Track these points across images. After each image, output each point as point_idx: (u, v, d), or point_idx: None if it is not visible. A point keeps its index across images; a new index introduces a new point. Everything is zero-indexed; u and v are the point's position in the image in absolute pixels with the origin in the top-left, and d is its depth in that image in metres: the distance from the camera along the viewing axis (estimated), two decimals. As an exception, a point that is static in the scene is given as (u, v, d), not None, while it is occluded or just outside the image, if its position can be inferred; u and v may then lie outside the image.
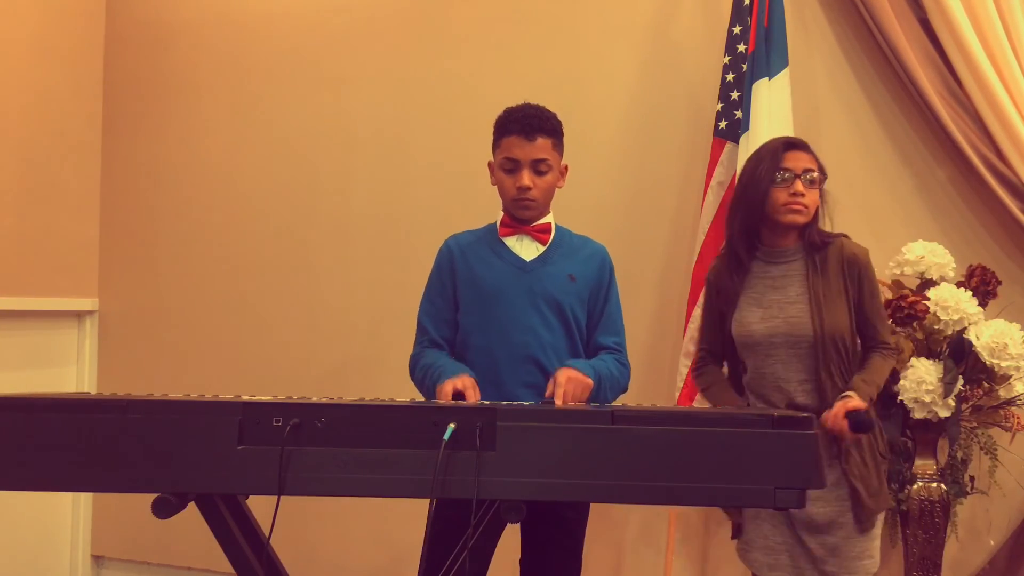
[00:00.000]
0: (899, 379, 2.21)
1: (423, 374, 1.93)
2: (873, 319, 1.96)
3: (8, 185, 3.08)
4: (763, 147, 1.98)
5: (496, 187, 2.01)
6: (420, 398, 1.88)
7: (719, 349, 2.10)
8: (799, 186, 1.89)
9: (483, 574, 1.89)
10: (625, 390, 2.01)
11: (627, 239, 2.79)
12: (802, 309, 1.91)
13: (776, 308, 1.94)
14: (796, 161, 1.91)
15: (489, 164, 2.02)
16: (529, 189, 1.91)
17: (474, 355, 1.94)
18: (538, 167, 1.92)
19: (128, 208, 3.44)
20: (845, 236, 1.99)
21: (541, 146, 1.91)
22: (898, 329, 2.24)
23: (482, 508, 1.49)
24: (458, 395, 1.77)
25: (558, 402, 1.74)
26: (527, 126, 1.90)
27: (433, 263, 2.05)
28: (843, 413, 1.83)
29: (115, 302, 3.44)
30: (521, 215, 1.96)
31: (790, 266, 1.97)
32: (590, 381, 1.82)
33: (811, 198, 1.92)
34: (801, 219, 1.91)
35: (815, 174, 1.92)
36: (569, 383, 1.77)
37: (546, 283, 1.94)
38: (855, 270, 1.94)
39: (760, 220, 1.95)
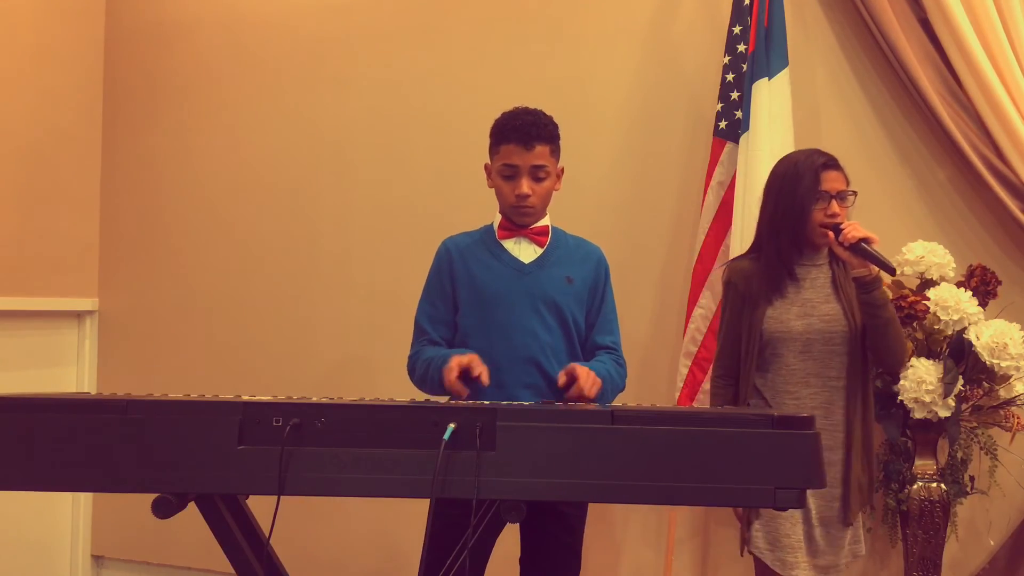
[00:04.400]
0: (899, 379, 2.21)
1: (424, 368, 1.93)
2: None
3: (8, 185, 3.08)
4: (800, 162, 2.00)
5: (494, 190, 2.01)
6: (421, 398, 1.87)
7: (735, 369, 2.11)
8: (834, 207, 1.97)
9: (481, 573, 1.90)
10: (623, 390, 2.02)
11: (627, 239, 2.79)
12: (835, 308, 2.00)
13: (810, 306, 2.01)
14: (832, 182, 1.98)
15: (486, 167, 2.03)
16: (528, 196, 1.93)
17: None
18: (536, 174, 1.93)
19: (128, 208, 3.44)
20: None
21: (539, 153, 1.92)
22: (898, 329, 2.24)
23: (482, 508, 1.49)
24: (465, 371, 1.78)
25: (581, 383, 1.81)
26: (525, 135, 1.90)
27: (431, 264, 2.05)
28: (859, 235, 1.91)
29: (115, 302, 3.44)
30: (520, 221, 1.98)
31: (819, 269, 2.05)
32: (599, 380, 1.86)
33: (843, 215, 1.99)
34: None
35: (848, 194, 2.00)
36: (585, 374, 1.82)
37: (545, 285, 1.95)
38: None
39: (803, 234, 2.01)
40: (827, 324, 1.99)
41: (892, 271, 1.94)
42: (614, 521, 2.84)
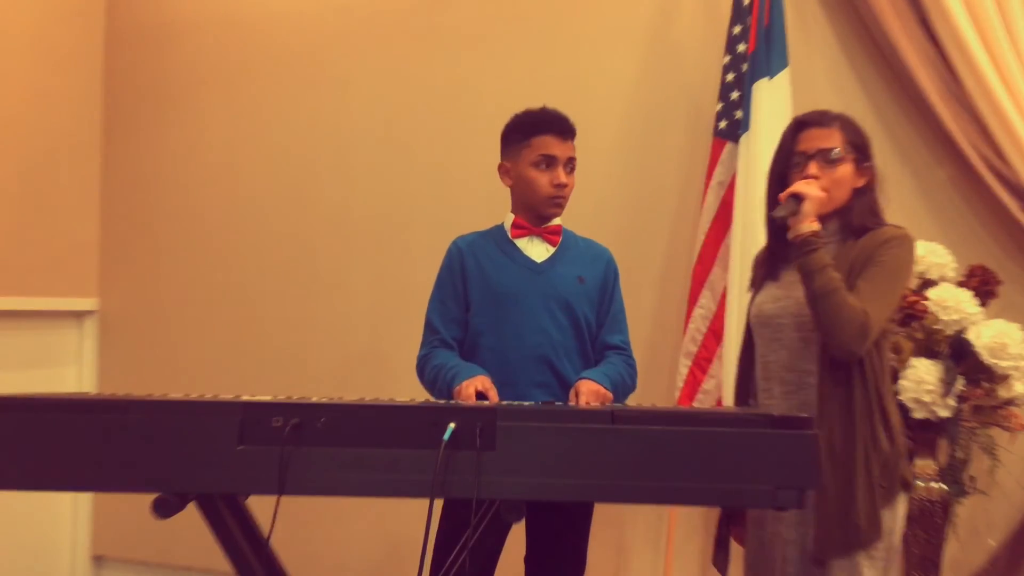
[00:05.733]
0: (899, 379, 2.21)
1: (435, 375, 1.92)
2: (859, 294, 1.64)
3: (8, 185, 3.08)
4: (785, 129, 1.81)
5: (512, 188, 2.01)
6: (421, 398, 1.87)
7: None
8: (813, 168, 1.70)
9: (491, 571, 1.90)
10: (633, 390, 2.03)
11: (627, 239, 2.79)
12: None
13: (790, 288, 1.74)
14: (810, 141, 1.72)
15: (502, 167, 2.03)
16: (567, 186, 1.97)
17: (485, 355, 1.94)
18: (570, 165, 1.99)
19: (128, 208, 3.44)
20: (896, 226, 1.74)
21: (572, 146, 1.99)
22: (898, 329, 2.24)
23: (482, 508, 1.49)
24: (481, 398, 1.77)
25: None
26: (562, 127, 1.97)
27: (441, 263, 2.05)
28: (790, 191, 1.68)
29: (115, 302, 3.44)
30: (553, 212, 2.00)
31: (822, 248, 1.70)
32: (610, 394, 1.85)
33: (833, 178, 1.70)
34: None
35: (836, 152, 1.71)
36: (592, 397, 1.80)
37: (557, 285, 1.96)
38: (866, 252, 1.68)
39: None
40: (801, 307, 1.68)
41: (769, 218, 1.75)
42: (614, 521, 2.84)
